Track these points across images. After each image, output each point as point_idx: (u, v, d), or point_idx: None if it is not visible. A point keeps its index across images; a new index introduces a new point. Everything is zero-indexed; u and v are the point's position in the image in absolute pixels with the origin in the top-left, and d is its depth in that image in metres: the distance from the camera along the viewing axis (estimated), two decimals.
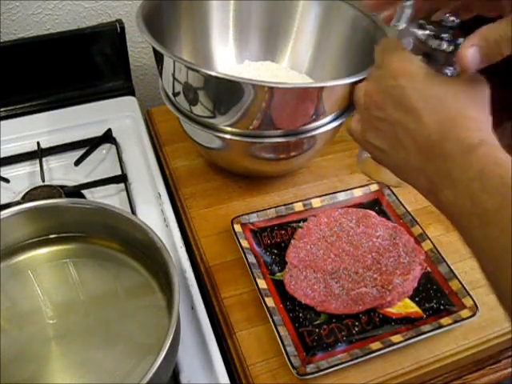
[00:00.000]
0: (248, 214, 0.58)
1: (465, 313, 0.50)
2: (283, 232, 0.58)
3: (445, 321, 0.49)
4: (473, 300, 0.50)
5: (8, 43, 0.68)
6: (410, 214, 0.59)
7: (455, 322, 0.49)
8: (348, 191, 0.62)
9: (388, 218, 0.59)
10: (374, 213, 0.59)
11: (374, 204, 0.61)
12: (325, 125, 0.56)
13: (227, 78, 0.49)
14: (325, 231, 0.57)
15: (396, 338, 0.48)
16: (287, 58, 0.71)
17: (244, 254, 0.54)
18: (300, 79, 0.68)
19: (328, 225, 0.58)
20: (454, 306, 0.51)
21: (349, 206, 0.60)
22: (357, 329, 0.49)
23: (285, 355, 0.46)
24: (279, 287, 0.52)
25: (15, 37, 0.72)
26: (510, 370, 0.56)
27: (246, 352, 0.48)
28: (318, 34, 0.68)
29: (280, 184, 0.66)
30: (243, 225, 0.57)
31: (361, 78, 0.52)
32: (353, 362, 0.46)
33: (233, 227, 0.56)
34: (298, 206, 0.60)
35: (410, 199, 0.63)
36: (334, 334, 0.49)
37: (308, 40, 0.69)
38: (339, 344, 0.48)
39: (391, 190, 0.61)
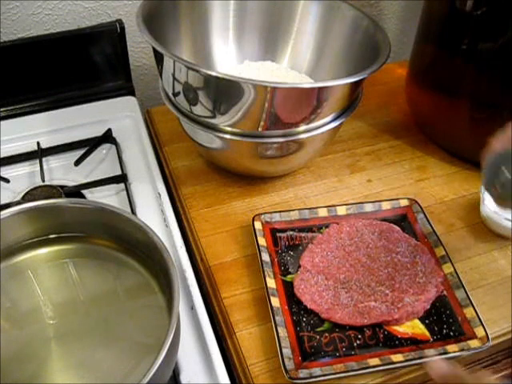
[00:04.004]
0: (271, 213, 0.58)
1: (474, 343, 0.48)
2: (303, 235, 0.57)
3: (451, 348, 0.47)
4: (485, 331, 0.48)
5: (8, 43, 0.68)
6: (435, 233, 0.57)
7: (462, 350, 0.47)
8: (376, 203, 0.60)
9: (413, 235, 0.57)
10: (398, 228, 0.58)
11: (401, 219, 0.59)
12: (325, 125, 0.56)
13: (227, 77, 0.49)
14: (345, 240, 0.56)
15: (396, 358, 0.47)
16: (287, 58, 0.71)
17: (259, 251, 0.54)
18: (300, 79, 0.68)
19: (349, 234, 0.57)
20: (464, 334, 0.49)
21: (374, 218, 0.59)
22: (358, 342, 0.48)
23: (279, 356, 0.45)
24: (288, 289, 0.52)
25: (15, 37, 0.72)
26: (510, 370, 0.56)
27: (246, 352, 0.48)
28: (318, 34, 0.68)
29: (280, 184, 0.66)
30: (264, 223, 0.57)
31: (361, 77, 0.52)
32: (347, 375, 0.45)
33: (253, 224, 0.56)
34: (322, 212, 0.59)
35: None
36: (335, 344, 0.48)
37: (308, 40, 0.69)
38: (337, 354, 0.47)
39: (421, 207, 0.60)
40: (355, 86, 0.55)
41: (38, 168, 0.64)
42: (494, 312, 0.52)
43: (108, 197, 0.62)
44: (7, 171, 0.65)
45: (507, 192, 0.45)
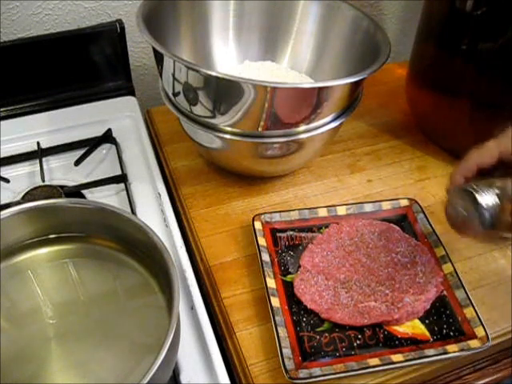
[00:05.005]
0: (271, 212, 0.58)
1: (474, 343, 0.47)
2: (303, 235, 0.57)
3: (451, 348, 0.47)
4: (485, 331, 0.48)
5: (8, 43, 0.68)
6: (435, 233, 0.57)
7: (462, 350, 0.47)
8: (376, 203, 0.60)
9: (413, 235, 0.57)
10: (398, 228, 0.58)
11: (401, 219, 0.59)
12: (325, 125, 0.56)
13: (227, 77, 0.49)
14: (345, 240, 0.56)
15: (396, 358, 0.46)
16: (287, 58, 0.71)
17: (259, 251, 0.54)
18: (300, 79, 0.68)
19: (349, 234, 0.57)
20: (465, 334, 0.48)
21: (374, 218, 0.59)
22: (358, 342, 0.48)
23: (279, 356, 0.45)
24: (288, 289, 0.52)
25: (15, 37, 0.72)
26: (509, 370, 0.56)
27: (246, 352, 0.48)
28: (318, 34, 0.68)
29: (280, 184, 0.66)
30: (264, 223, 0.57)
31: (361, 77, 0.52)
32: (347, 375, 0.45)
33: (253, 224, 0.56)
34: (322, 212, 0.59)
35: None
36: (335, 344, 0.48)
37: (308, 40, 0.69)
38: (337, 354, 0.47)
39: (421, 207, 0.60)
40: (355, 86, 0.55)
41: (38, 168, 0.64)
42: (494, 312, 0.52)
43: (108, 197, 0.62)
44: (7, 171, 0.65)
45: (465, 228, 0.46)
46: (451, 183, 0.48)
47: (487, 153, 0.45)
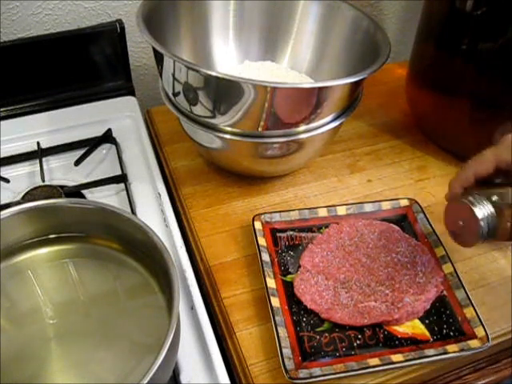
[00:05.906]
0: (271, 213, 0.58)
1: (474, 343, 0.47)
2: (303, 235, 0.57)
3: (451, 348, 0.47)
4: (485, 331, 0.48)
5: (8, 43, 0.68)
6: (435, 233, 0.57)
7: (462, 350, 0.47)
8: (376, 203, 0.60)
9: (413, 235, 0.57)
10: (398, 228, 0.58)
11: (401, 219, 0.59)
12: (325, 125, 0.56)
13: (227, 77, 0.49)
14: (344, 240, 0.56)
15: (396, 358, 0.46)
16: (287, 58, 0.71)
17: (259, 251, 0.54)
18: (300, 79, 0.68)
19: (349, 234, 0.57)
20: (464, 334, 0.48)
21: (374, 218, 0.59)
22: (358, 342, 0.48)
23: (279, 356, 0.45)
24: (288, 289, 0.52)
25: (15, 37, 0.72)
26: (509, 370, 0.56)
27: (246, 352, 0.48)
28: (318, 34, 0.68)
29: (280, 184, 0.66)
30: (264, 223, 0.57)
31: (361, 77, 0.52)
32: (347, 375, 0.45)
33: (253, 224, 0.56)
34: (322, 212, 0.59)
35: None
36: (335, 344, 0.48)
37: (308, 40, 0.69)
38: (337, 354, 0.47)
39: (421, 207, 0.60)
40: (355, 86, 0.55)
41: (38, 168, 0.64)
42: (494, 312, 0.52)
43: (108, 197, 0.62)
44: (7, 171, 0.65)
45: (464, 239, 0.47)
46: (450, 193, 0.48)
47: (484, 162, 0.45)
